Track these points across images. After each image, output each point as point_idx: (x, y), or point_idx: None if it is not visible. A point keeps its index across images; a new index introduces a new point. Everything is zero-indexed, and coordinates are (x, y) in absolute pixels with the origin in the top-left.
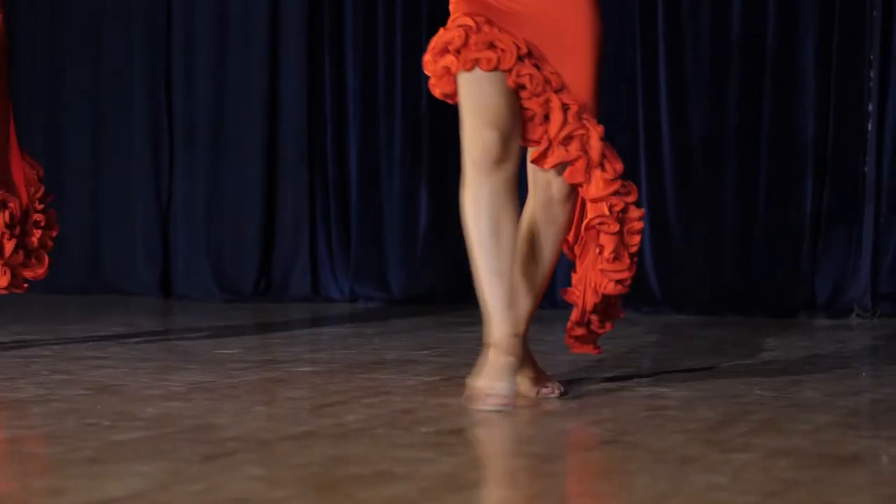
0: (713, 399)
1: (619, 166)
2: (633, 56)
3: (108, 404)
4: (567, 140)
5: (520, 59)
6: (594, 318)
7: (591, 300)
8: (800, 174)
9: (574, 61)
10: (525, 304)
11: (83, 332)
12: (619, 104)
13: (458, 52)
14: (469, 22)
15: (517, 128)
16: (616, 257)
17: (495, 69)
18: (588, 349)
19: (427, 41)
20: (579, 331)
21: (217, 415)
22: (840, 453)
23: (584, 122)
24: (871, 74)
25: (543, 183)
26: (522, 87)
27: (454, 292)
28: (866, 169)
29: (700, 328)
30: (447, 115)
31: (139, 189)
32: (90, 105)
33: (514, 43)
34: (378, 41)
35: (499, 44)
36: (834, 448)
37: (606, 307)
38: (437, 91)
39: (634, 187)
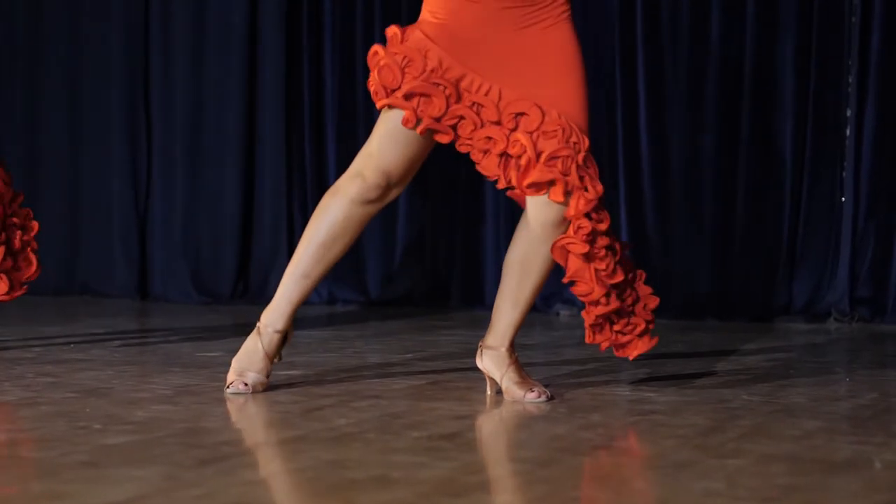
0: (700, 404)
1: (600, 188)
2: (611, 63)
3: (97, 407)
4: (550, 160)
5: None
6: (615, 324)
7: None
8: (778, 179)
9: (560, 79)
10: (513, 314)
11: (63, 334)
12: (597, 111)
13: (427, 114)
14: (442, 83)
15: (405, 181)
16: (575, 282)
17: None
18: (636, 349)
19: None
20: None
21: (207, 418)
22: (832, 459)
23: (572, 145)
24: (850, 80)
25: (540, 203)
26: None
27: (431, 295)
28: (844, 174)
29: (679, 332)
30: None
31: (116, 190)
32: (67, 105)
33: (484, 117)
34: (356, 44)
35: (468, 117)
36: (826, 454)
37: (617, 310)
38: (371, 85)
39: (608, 216)
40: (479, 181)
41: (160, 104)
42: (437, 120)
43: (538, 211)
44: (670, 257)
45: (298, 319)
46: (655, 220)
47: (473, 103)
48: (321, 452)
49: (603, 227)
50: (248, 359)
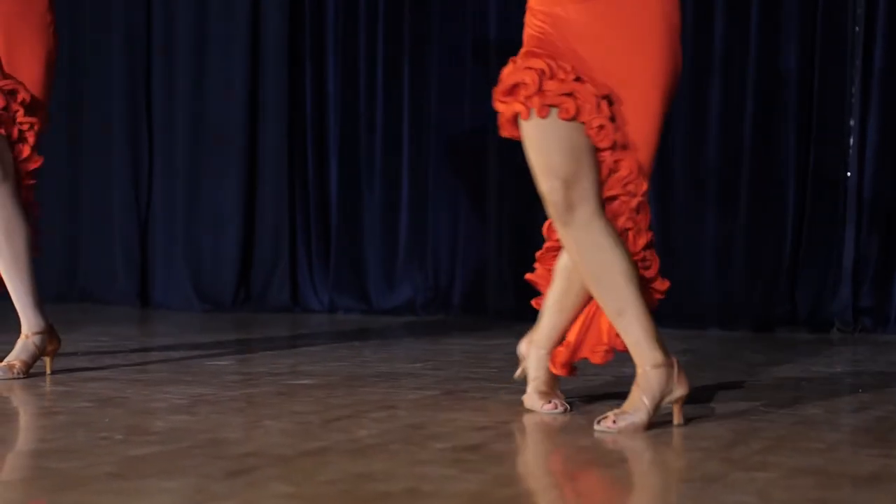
0: (719, 416)
1: (644, 239)
2: None
3: (116, 417)
4: (606, 201)
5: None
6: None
7: (581, 336)
8: (781, 188)
9: (639, 110)
10: (558, 318)
11: (69, 342)
12: None
13: (529, 98)
14: (542, 65)
15: (584, 170)
16: None
17: (573, 119)
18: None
19: (409, 54)
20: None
21: (227, 429)
22: (859, 473)
23: (628, 188)
24: (853, 90)
25: None
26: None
27: (432, 304)
28: (848, 184)
29: (684, 342)
30: (427, 127)
31: (118, 198)
32: (68, 112)
33: (594, 93)
34: (359, 52)
35: (578, 94)
36: (851, 467)
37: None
38: (504, 132)
39: (657, 260)
40: (480, 189)
41: (161, 111)
42: (545, 73)
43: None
44: (673, 266)
45: (304, 330)
46: (658, 229)
47: (578, 77)
48: (348, 464)
49: (651, 272)
50: (629, 404)
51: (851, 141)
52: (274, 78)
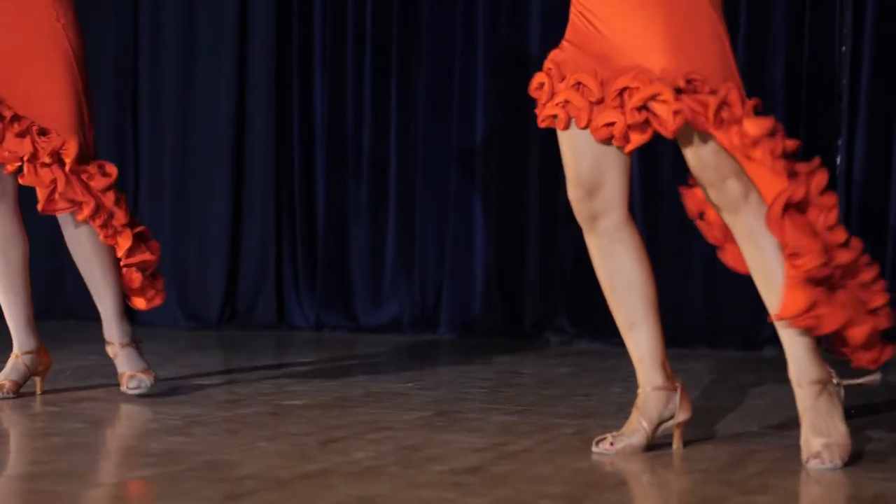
0: (715, 437)
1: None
2: None
3: (111, 438)
4: (686, 90)
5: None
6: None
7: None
8: None
9: (684, 38)
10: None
11: (56, 360)
12: None
13: (543, 104)
14: (551, 66)
15: (607, 178)
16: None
17: (566, 129)
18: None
19: (397, 69)
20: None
21: (223, 451)
22: (861, 496)
23: (701, 93)
24: (840, 109)
25: (688, 158)
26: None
27: (419, 322)
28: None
29: (673, 361)
30: (415, 143)
31: None
32: None
33: (587, 97)
34: (346, 68)
35: (573, 100)
36: (853, 490)
37: None
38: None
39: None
40: (468, 206)
41: (147, 128)
42: (555, 76)
43: (714, 198)
44: (661, 285)
45: (292, 348)
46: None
47: (577, 83)
48: (348, 488)
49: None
50: (628, 426)
51: (839, 160)
52: (261, 96)
